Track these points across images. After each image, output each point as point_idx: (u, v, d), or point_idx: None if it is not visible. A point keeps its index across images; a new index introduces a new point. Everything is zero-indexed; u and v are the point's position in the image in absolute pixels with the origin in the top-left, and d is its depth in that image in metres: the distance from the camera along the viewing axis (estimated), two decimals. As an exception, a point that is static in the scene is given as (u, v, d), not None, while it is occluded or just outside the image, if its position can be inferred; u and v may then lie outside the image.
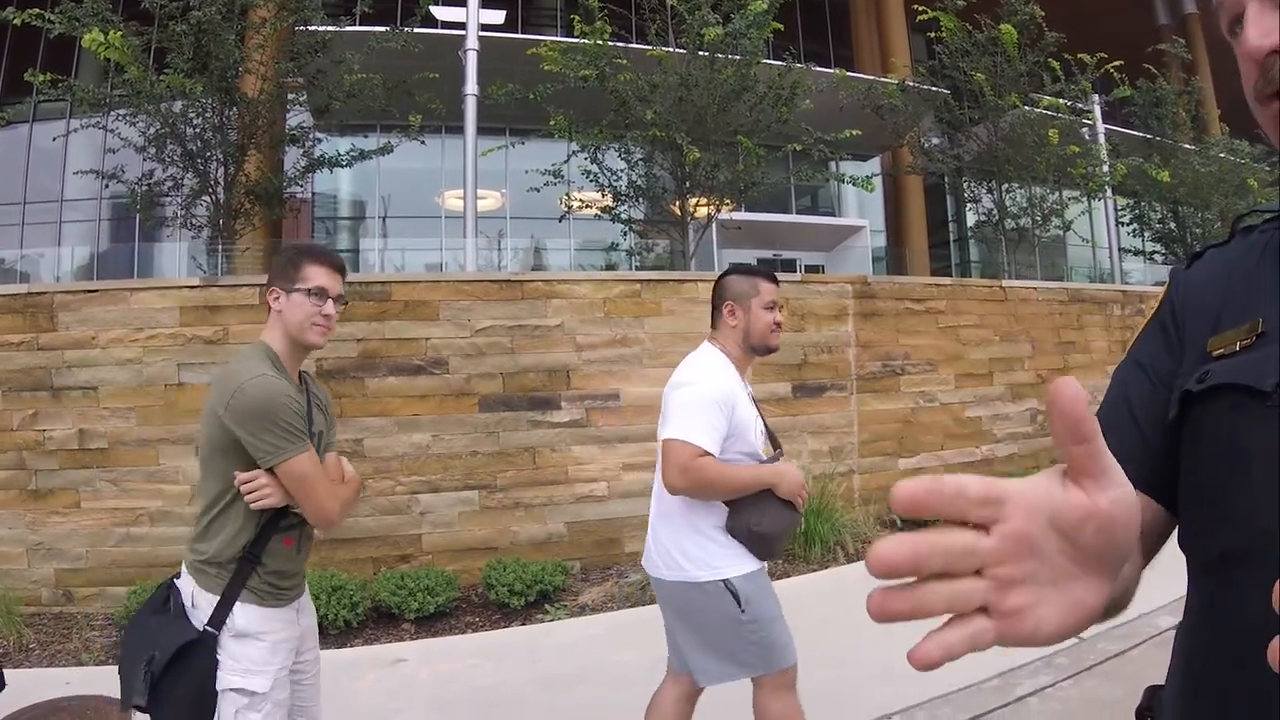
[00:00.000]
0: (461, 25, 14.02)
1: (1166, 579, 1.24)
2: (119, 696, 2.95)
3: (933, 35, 14.73)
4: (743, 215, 14.73)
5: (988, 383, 10.30)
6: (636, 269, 14.67)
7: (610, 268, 17.18)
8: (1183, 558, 1.10)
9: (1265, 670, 0.89)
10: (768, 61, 11.47)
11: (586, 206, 12.26)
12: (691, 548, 3.47)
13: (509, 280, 8.29)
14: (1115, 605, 0.94)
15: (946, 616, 0.70)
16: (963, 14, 13.70)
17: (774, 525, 3.48)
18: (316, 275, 3.11)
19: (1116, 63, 14.84)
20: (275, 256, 3.26)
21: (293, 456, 2.92)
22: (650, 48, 11.26)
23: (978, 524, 0.70)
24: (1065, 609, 0.73)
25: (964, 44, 13.85)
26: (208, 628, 2.91)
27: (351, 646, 6.44)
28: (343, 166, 11.60)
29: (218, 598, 2.93)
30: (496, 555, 7.54)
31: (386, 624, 6.82)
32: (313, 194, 18.84)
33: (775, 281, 3.77)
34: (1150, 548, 1.13)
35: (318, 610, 6.33)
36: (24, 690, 5.27)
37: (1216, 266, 1.17)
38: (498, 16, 21.79)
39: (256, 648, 2.98)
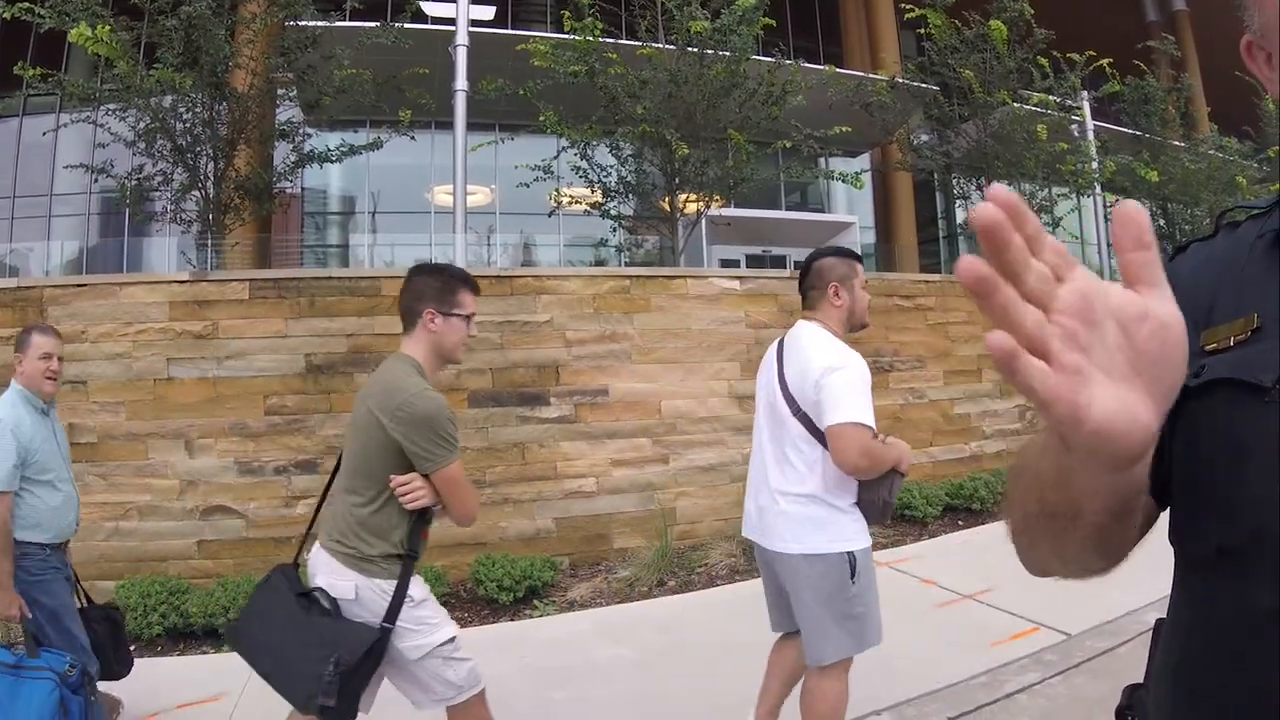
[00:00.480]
0: (451, 21, 13.96)
1: (1153, 576, 1.25)
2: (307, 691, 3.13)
3: (922, 32, 14.74)
4: (732, 211, 14.69)
5: (976, 379, 10.32)
6: (626, 265, 14.67)
7: (600, 264, 17.16)
8: (1168, 555, 1.11)
9: (1263, 666, 0.90)
10: (758, 58, 11.48)
11: (576, 202, 12.25)
12: (827, 522, 3.68)
13: (499, 276, 8.30)
14: (1128, 511, 0.92)
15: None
16: (952, 11, 13.69)
17: (895, 494, 3.78)
18: (469, 303, 3.57)
19: (1106, 60, 14.88)
20: (428, 278, 3.61)
21: (449, 464, 3.31)
22: (640, 44, 11.26)
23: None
24: (1118, 401, 0.72)
25: (953, 41, 13.86)
26: (384, 624, 3.25)
27: (340, 641, 6.45)
28: (332, 162, 11.59)
29: (386, 584, 3.31)
30: (485, 551, 7.54)
31: (375, 619, 6.83)
32: (302, 189, 18.76)
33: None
34: (1140, 529, 1.12)
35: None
36: (13, 685, 5.27)
37: (1203, 260, 1.17)
38: (488, 12, 21.75)
39: (431, 606, 3.51)
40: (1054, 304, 0.72)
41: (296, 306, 7.68)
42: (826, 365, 3.67)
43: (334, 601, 3.28)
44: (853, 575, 3.64)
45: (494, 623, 6.80)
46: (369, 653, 3.17)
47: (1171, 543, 1.10)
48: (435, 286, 3.56)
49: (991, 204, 0.69)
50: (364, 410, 3.38)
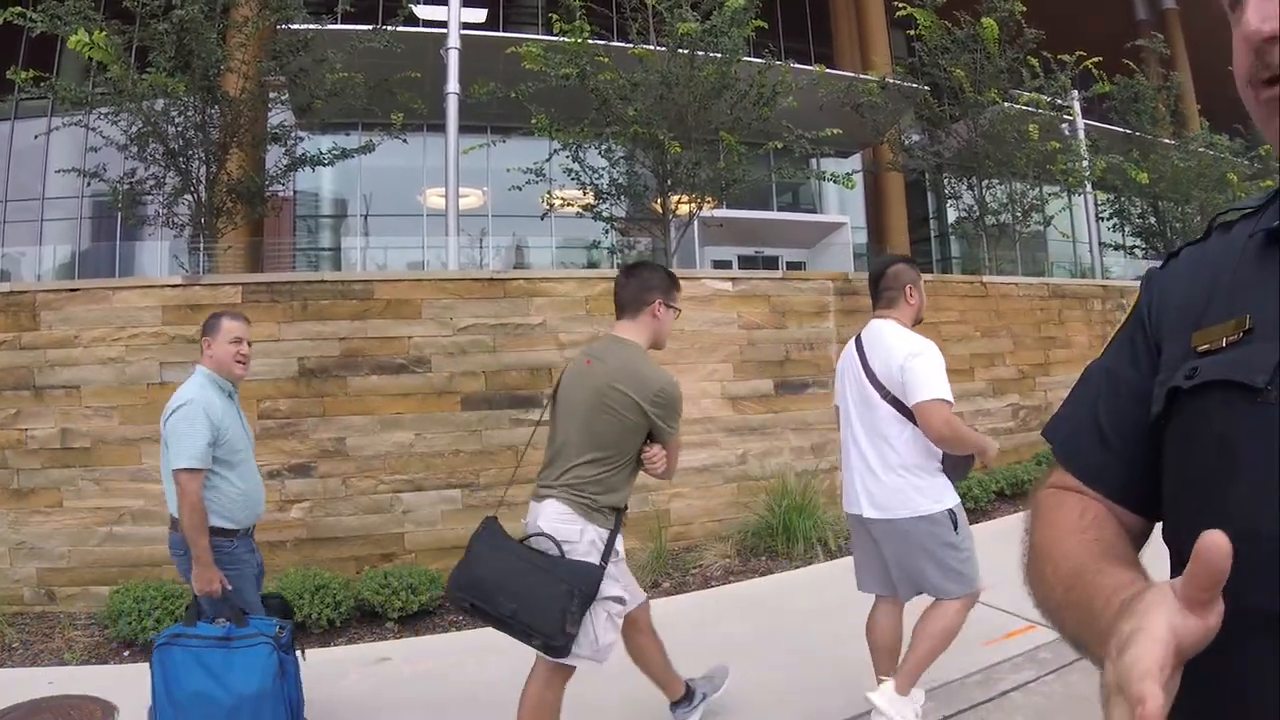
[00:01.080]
0: (443, 24, 14.01)
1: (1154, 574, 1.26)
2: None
3: (912, 33, 14.75)
4: (724, 212, 14.71)
5: (969, 378, 10.33)
6: (619, 266, 14.69)
7: (592, 265, 17.18)
8: (1162, 553, 1.12)
9: (1254, 665, 0.91)
10: (748, 59, 11.49)
11: (568, 205, 12.25)
12: (926, 487, 4.35)
13: (491, 279, 8.30)
14: None
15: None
16: (942, 11, 13.70)
17: (966, 471, 4.61)
18: (679, 298, 4.43)
19: (1095, 59, 14.90)
20: (655, 272, 4.40)
21: (679, 434, 4.10)
22: (631, 46, 11.27)
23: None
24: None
25: (943, 41, 13.87)
26: (602, 562, 3.84)
27: (335, 645, 6.45)
28: (324, 165, 11.59)
29: (603, 532, 3.90)
30: (480, 553, 7.54)
31: (370, 623, 6.83)
32: (294, 192, 18.75)
33: None
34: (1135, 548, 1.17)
35: (299, 610, 6.37)
36: (6, 690, 5.28)
37: (1195, 263, 1.17)
38: (479, 15, 21.76)
39: (623, 566, 4.16)
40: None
41: (289, 310, 7.67)
42: (909, 351, 4.40)
43: (559, 545, 3.80)
44: (955, 527, 4.35)
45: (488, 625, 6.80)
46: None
47: (1166, 543, 1.11)
48: (663, 280, 4.34)
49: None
50: (602, 386, 3.96)
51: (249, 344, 4.83)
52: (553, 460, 4.17)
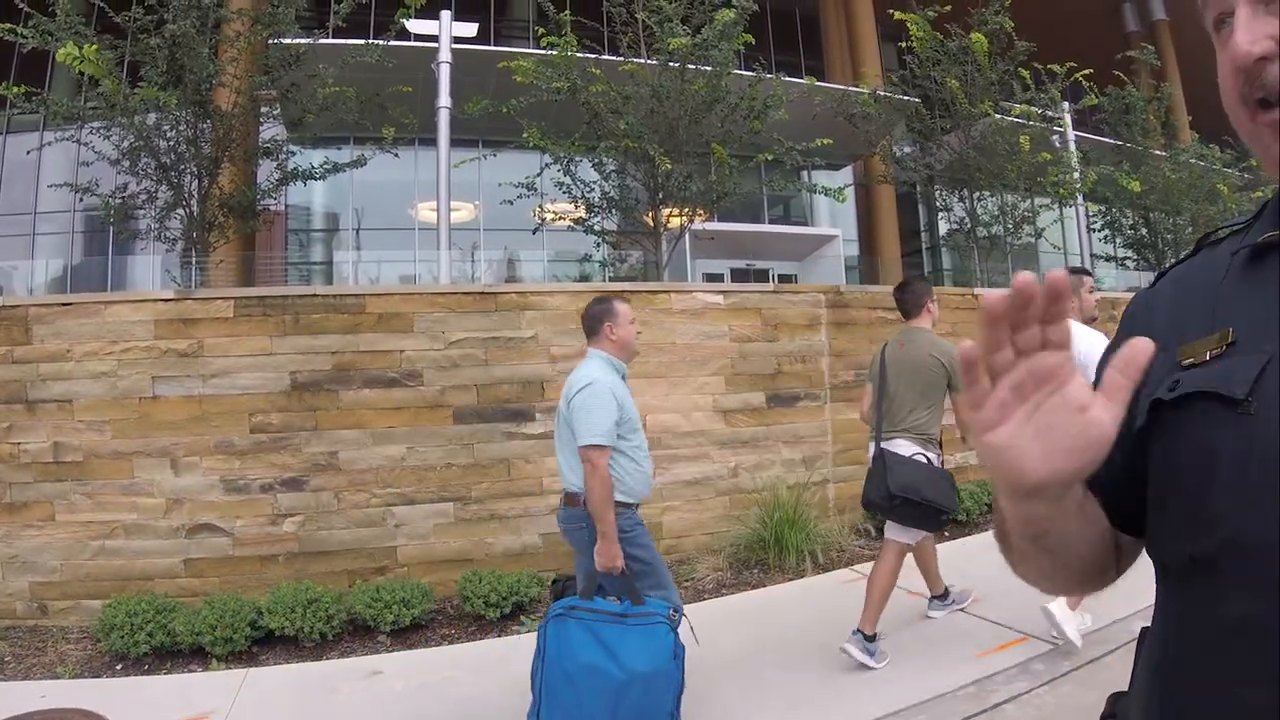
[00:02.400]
0: (434, 38, 14.02)
1: (1139, 585, 1.27)
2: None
3: (904, 45, 14.80)
4: (716, 225, 14.72)
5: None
6: (610, 280, 14.69)
7: (584, 279, 17.16)
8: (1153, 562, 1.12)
9: (1234, 672, 0.93)
10: (739, 72, 11.52)
11: (560, 218, 12.26)
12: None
13: (483, 292, 8.30)
14: (1061, 545, 1.09)
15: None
16: (933, 24, 13.75)
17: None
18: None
19: (1086, 71, 14.95)
20: (922, 283, 6.39)
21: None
22: (622, 59, 11.30)
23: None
24: (1011, 441, 0.90)
25: (935, 53, 13.91)
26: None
27: (327, 659, 6.43)
28: (316, 179, 11.60)
29: (934, 455, 5.88)
30: (472, 567, 7.54)
31: (362, 636, 6.82)
32: (286, 206, 18.74)
33: None
34: (1122, 564, 1.22)
35: (292, 623, 6.36)
36: (-1, 705, 5.25)
37: (1183, 280, 1.19)
38: (470, 29, 21.79)
39: None
40: (1030, 361, 0.88)
41: (281, 324, 7.67)
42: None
43: (927, 459, 5.79)
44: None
45: (481, 639, 6.80)
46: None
47: (1148, 553, 1.12)
48: (928, 287, 6.23)
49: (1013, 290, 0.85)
50: (922, 357, 5.85)
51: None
52: (886, 414, 5.96)
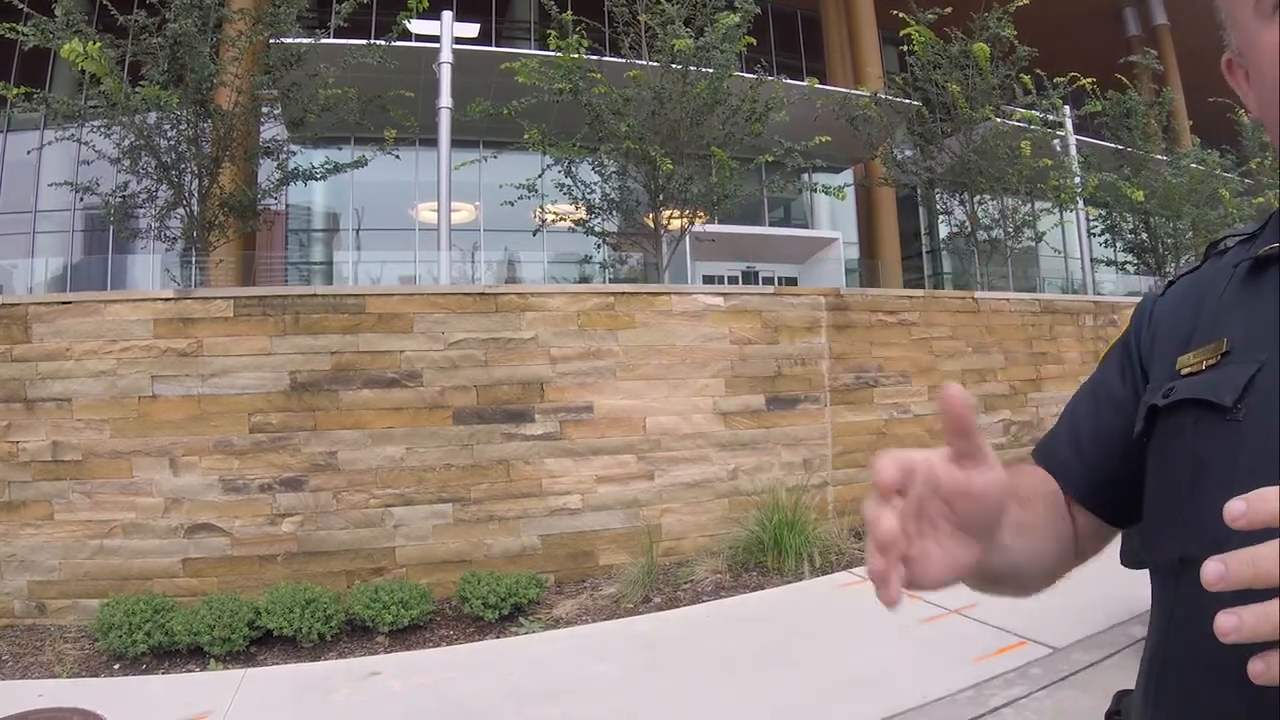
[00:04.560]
0: (435, 39, 14.04)
1: (1137, 588, 1.27)
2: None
3: (904, 50, 14.81)
4: (716, 228, 14.72)
5: (960, 394, 10.31)
6: (610, 282, 14.70)
7: (584, 280, 17.20)
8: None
9: (1223, 673, 0.93)
10: (740, 74, 11.52)
11: (560, 219, 12.25)
12: None
13: (483, 293, 8.30)
14: (1008, 576, 1.10)
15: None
16: (934, 27, 13.75)
17: None
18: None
19: (1089, 80, 14.96)
20: None
21: None
22: (624, 61, 11.30)
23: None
24: (943, 563, 0.89)
25: (936, 57, 13.91)
26: None
27: (325, 660, 6.43)
28: (317, 179, 11.60)
29: None
30: (470, 568, 7.54)
31: (360, 637, 6.81)
32: (286, 206, 18.76)
33: None
34: (1084, 549, 1.24)
35: (290, 623, 6.36)
36: (-4, 704, 5.25)
37: (1188, 290, 1.19)
38: (472, 30, 21.82)
39: None
40: (904, 510, 0.89)
41: (281, 324, 7.67)
42: None
43: None
44: None
45: (479, 640, 6.79)
46: None
47: (1142, 553, 1.13)
48: None
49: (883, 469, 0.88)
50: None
51: None
52: None
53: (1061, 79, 14.69)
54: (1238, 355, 1.01)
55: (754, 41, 11.58)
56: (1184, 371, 1.07)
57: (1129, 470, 1.14)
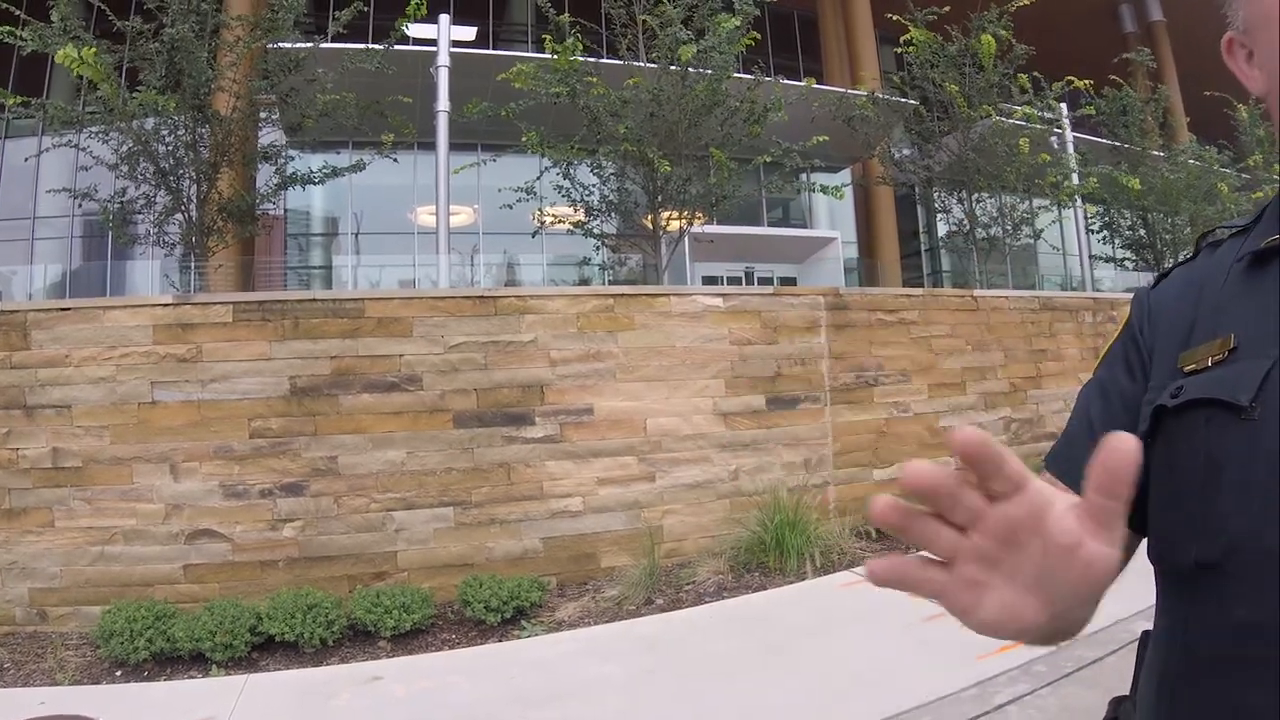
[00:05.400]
0: (433, 42, 14.05)
1: (1141, 584, 1.26)
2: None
3: (901, 50, 14.81)
4: (715, 228, 14.72)
5: (960, 392, 10.33)
6: (609, 283, 14.71)
7: (583, 282, 17.22)
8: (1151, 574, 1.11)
9: (1241, 678, 0.92)
10: (738, 75, 11.52)
11: (559, 221, 12.24)
12: None
13: (482, 296, 8.29)
14: (1054, 634, 0.90)
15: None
16: (931, 26, 13.76)
17: None
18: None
19: (1086, 81, 14.98)
20: None
21: None
22: (621, 62, 11.30)
23: (990, 495, 0.76)
24: (1005, 607, 0.78)
25: (933, 56, 13.92)
26: None
27: (327, 665, 6.42)
28: (315, 184, 11.57)
29: None
30: (472, 572, 7.54)
31: (362, 642, 6.81)
32: (285, 211, 18.75)
33: None
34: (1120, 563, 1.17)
35: (292, 628, 6.35)
36: (-2, 712, 5.25)
37: (1184, 283, 1.18)
38: (469, 33, 21.83)
39: None
40: (979, 523, 0.76)
41: (280, 329, 7.66)
42: None
43: None
44: None
45: (481, 644, 6.79)
46: None
47: (1150, 559, 1.11)
48: None
49: (962, 441, 0.73)
50: None
51: None
52: None
53: (1059, 84, 14.69)
54: (1246, 351, 1.00)
55: (758, 36, 11.57)
56: (1188, 369, 1.06)
57: (1147, 472, 1.10)
